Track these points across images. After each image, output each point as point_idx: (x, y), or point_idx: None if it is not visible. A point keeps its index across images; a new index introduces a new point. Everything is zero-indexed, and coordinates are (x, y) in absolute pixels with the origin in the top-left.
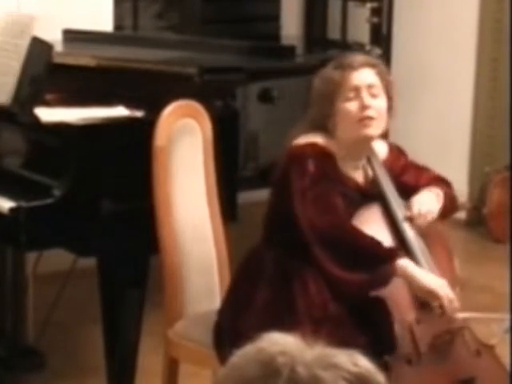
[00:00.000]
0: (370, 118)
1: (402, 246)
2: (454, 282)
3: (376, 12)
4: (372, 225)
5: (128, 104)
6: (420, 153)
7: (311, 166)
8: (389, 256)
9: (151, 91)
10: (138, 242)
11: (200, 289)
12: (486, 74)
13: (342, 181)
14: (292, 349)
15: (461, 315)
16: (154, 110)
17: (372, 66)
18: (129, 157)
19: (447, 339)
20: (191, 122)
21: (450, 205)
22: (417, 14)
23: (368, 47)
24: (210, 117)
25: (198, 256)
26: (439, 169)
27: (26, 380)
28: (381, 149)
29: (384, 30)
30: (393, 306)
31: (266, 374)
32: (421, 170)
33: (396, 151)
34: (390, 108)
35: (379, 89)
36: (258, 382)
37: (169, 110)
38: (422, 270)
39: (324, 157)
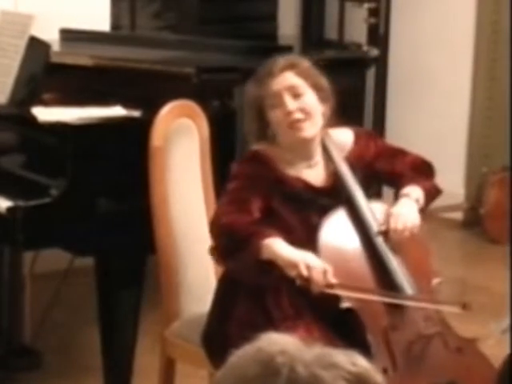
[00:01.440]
0: (299, 121)
1: (371, 246)
2: (429, 275)
3: (373, 12)
4: (339, 231)
5: (125, 104)
6: (417, 152)
7: (237, 170)
8: (251, 236)
9: (148, 91)
10: (134, 242)
11: (197, 288)
12: (483, 75)
13: (285, 184)
14: (291, 348)
15: (329, 290)
16: (151, 109)
17: (291, 67)
18: (126, 156)
19: (423, 344)
20: (188, 121)
21: (431, 198)
22: (414, 14)
23: (365, 47)
24: (207, 117)
25: (194, 255)
26: (436, 169)
27: (23, 379)
28: (346, 138)
29: (381, 30)
30: (364, 315)
31: (266, 374)
32: (395, 155)
33: (364, 138)
34: (324, 98)
35: (302, 87)
36: (257, 382)
37: (166, 109)
38: (288, 246)
39: (256, 162)
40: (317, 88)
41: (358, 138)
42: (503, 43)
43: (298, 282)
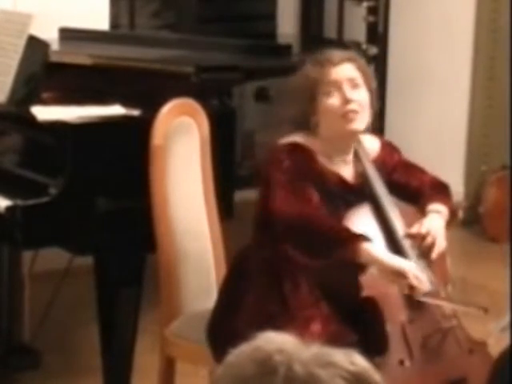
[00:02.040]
0: (354, 112)
1: (394, 246)
2: (445, 280)
3: (372, 11)
4: (363, 226)
5: (124, 102)
6: (416, 151)
7: (286, 162)
8: (348, 239)
9: (148, 90)
10: (134, 241)
11: (197, 287)
12: (482, 73)
13: (324, 177)
14: (289, 347)
15: (424, 299)
16: (151, 108)
17: (351, 60)
18: (125, 155)
19: (438, 339)
20: (188, 120)
21: (452, 220)
22: (413, 12)
23: (364, 46)
24: (207, 115)
25: (194, 254)
26: (436, 167)
27: (22, 379)
28: (373, 145)
29: (380, 28)
30: (384, 306)
31: (263, 372)
32: (414, 169)
33: (389, 148)
34: (372, 101)
35: (360, 81)
36: (254, 381)
37: (165, 108)
38: (387, 252)
39: (300, 154)
40: (370, 88)
41: (383, 146)
42: (503, 42)
43: (406, 291)
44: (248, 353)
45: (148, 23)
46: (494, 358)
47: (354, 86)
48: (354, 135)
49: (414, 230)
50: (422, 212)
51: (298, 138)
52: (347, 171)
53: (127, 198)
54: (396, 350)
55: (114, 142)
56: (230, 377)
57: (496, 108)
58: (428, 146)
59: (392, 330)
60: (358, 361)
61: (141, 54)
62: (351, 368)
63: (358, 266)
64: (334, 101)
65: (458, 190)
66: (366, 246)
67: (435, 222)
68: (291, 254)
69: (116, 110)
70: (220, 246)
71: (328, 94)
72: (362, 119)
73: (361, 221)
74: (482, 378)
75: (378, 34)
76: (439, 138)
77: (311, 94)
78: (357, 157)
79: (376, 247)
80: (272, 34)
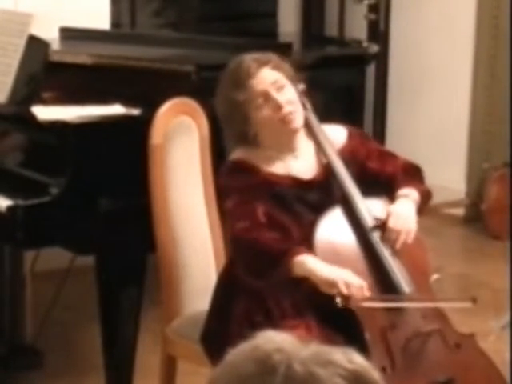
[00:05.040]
0: (290, 113)
1: (365, 241)
2: (426, 270)
3: (373, 9)
4: (332, 223)
5: (125, 102)
6: (418, 148)
7: (227, 183)
8: (285, 254)
9: (148, 89)
10: (135, 240)
11: (197, 286)
12: (483, 71)
13: (273, 185)
14: (288, 346)
15: (367, 304)
16: (151, 107)
17: (265, 63)
18: (126, 155)
19: (422, 341)
20: (188, 119)
21: (425, 202)
22: (414, 10)
23: (365, 44)
24: (207, 114)
25: (195, 254)
26: (437, 165)
27: (24, 378)
28: (339, 135)
29: (381, 26)
30: (362, 314)
31: (262, 372)
32: (386, 156)
33: (358, 137)
34: (295, 81)
35: (282, 80)
36: (254, 380)
37: (165, 107)
38: (322, 263)
39: (242, 171)
40: (289, 76)
41: (351, 135)
42: (504, 39)
43: (339, 300)
44: (247, 352)
45: (149, 22)
46: (485, 352)
47: (279, 87)
48: (296, 133)
49: (378, 222)
50: (392, 198)
51: (239, 153)
52: (302, 166)
53: (127, 198)
54: (377, 357)
55: (114, 142)
56: (229, 376)
57: (497, 105)
58: (430, 143)
59: (372, 337)
60: (356, 359)
61: (141, 53)
62: (350, 366)
63: (298, 281)
64: (267, 112)
65: (459, 187)
66: (299, 259)
67: (403, 207)
68: (243, 277)
69: (116, 109)
70: (220, 246)
71: (259, 107)
72: (299, 114)
73: (332, 224)
74: (470, 372)
75: (379, 32)
76: (441, 136)
77: (242, 115)
78: (320, 148)
79: (310, 258)
80: (273, 33)
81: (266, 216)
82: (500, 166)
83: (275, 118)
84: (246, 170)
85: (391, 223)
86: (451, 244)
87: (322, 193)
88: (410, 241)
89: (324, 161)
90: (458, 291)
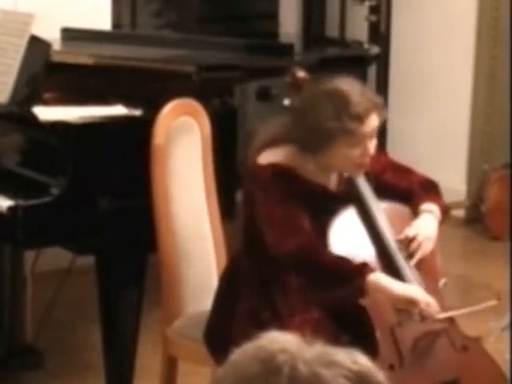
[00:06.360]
0: (368, 162)
1: (381, 251)
2: (436, 276)
3: (374, 10)
4: (350, 232)
5: (126, 102)
6: (419, 150)
7: (273, 189)
8: (358, 273)
9: (149, 89)
10: (136, 241)
11: (198, 287)
12: (483, 72)
13: (309, 192)
14: (292, 347)
15: (442, 315)
16: (153, 108)
17: (376, 108)
18: (127, 155)
19: (430, 340)
20: (189, 120)
21: (444, 218)
22: (415, 11)
23: (366, 45)
24: (209, 115)
25: (195, 254)
26: (438, 166)
27: (24, 378)
28: None
29: (382, 27)
30: (373, 311)
31: (267, 372)
32: (402, 170)
33: (375, 152)
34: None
35: (376, 129)
36: (258, 380)
37: (167, 108)
38: (394, 280)
39: (286, 176)
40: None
41: None
42: (504, 40)
43: (418, 318)
44: (252, 352)
45: (150, 23)
46: (491, 355)
47: (373, 136)
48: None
49: (403, 235)
50: (415, 213)
51: (278, 155)
52: (329, 180)
53: (129, 198)
54: (386, 355)
55: (115, 143)
56: (234, 376)
57: (498, 106)
58: (430, 144)
59: (381, 335)
60: (360, 360)
61: (142, 54)
62: (354, 367)
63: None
64: (355, 152)
65: (460, 188)
66: (372, 277)
67: (427, 223)
68: (296, 283)
69: (118, 109)
70: (221, 246)
71: (351, 145)
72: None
73: (346, 225)
74: (476, 375)
75: (379, 34)
76: (441, 137)
77: (329, 139)
78: None
79: (382, 276)
80: (274, 34)
81: (310, 225)
82: (500, 167)
83: (355, 160)
84: (288, 175)
85: (415, 244)
86: (451, 245)
87: (344, 204)
88: (426, 255)
89: (345, 174)
90: (458, 292)
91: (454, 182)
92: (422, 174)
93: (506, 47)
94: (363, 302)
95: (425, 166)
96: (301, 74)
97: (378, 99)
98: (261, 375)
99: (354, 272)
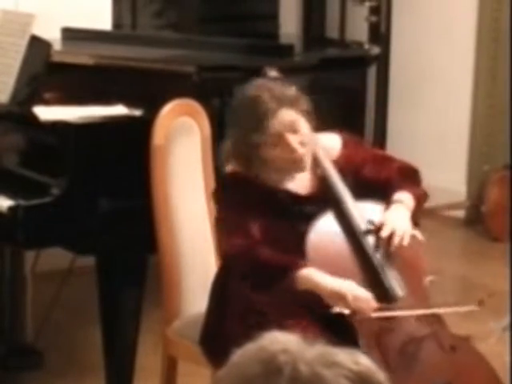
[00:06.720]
0: (302, 156)
1: (359, 248)
2: (421, 273)
3: (374, 10)
4: (327, 234)
5: (126, 102)
6: (419, 151)
7: (228, 195)
8: (289, 268)
9: (150, 90)
10: (136, 241)
11: (198, 287)
12: (484, 73)
13: (272, 198)
14: (293, 347)
15: (375, 315)
16: (153, 108)
17: (284, 102)
18: (127, 155)
19: (417, 345)
20: (189, 120)
21: (421, 204)
22: (415, 12)
23: (366, 46)
24: (208, 115)
25: (196, 255)
26: (438, 167)
27: (24, 379)
28: (333, 143)
29: (383, 28)
30: (356, 320)
31: (268, 372)
32: (381, 161)
33: (352, 144)
34: (310, 119)
35: (298, 120)
36: (259, 381)
37: (167, 108)
38: (325, 275)
39: (240, 184)
40: (305, 113)
41: (345, 143)
42: (504, 41)
43: (347, 312)
44: (252, 353)
45: (150, 23)
46: (481, 354)
47: (294, 130)
48: (303, 171)
49: (371, 226)
50: (388, 205)
51: (238, 165)
52: (298, 184)
53: (129, 198)
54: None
55: (115, 143)
56: (235, 377)
57: (498, 107)
58: (430, 145)
59: (366, 342)
60: (361, 360)
61: (143, 54)
62: (355, 368)
63: (303, 292)
64: (279, 151)
65: (460, 189)
66: (303, 272)
67: (394, 213)
68: (247, 292)
69: (118, 110)
70: None
71: (273, 145)
72: (309, 153)
73: (324, 228)
74: (467, 375)
75: (380, 34)
76: (441, 138)
77: (256, 153)
78: (315, 160)
79: (313, 271)
80: (274, 34)
81: (262, 231)
82: (500, 168)
83: (288, 159)
84: (244, 181)
85: (383, 232)
86: (451, 246)
87: (319, 205)
88: (405, 243)
89: (319, 172)
90: (458, 293)
91: (454, 182)
92: (401, 160)
93: (506, 48)
94: (360, 318)
95: (425, 166)
96: (273, 73)
97: (290, 92)
98: (262, 376)
99: (285, 267)
